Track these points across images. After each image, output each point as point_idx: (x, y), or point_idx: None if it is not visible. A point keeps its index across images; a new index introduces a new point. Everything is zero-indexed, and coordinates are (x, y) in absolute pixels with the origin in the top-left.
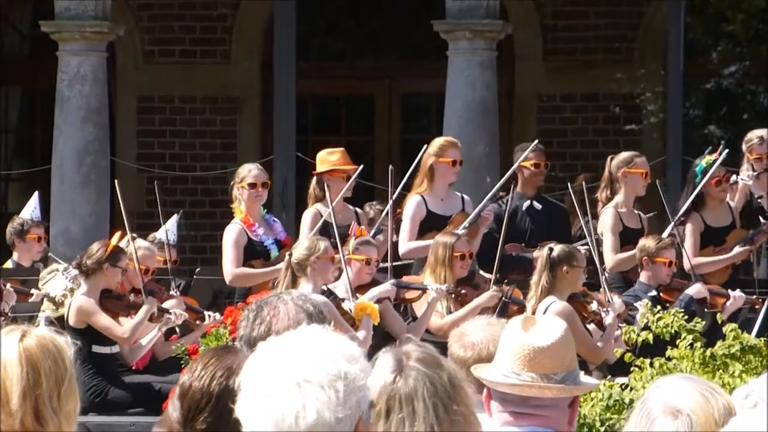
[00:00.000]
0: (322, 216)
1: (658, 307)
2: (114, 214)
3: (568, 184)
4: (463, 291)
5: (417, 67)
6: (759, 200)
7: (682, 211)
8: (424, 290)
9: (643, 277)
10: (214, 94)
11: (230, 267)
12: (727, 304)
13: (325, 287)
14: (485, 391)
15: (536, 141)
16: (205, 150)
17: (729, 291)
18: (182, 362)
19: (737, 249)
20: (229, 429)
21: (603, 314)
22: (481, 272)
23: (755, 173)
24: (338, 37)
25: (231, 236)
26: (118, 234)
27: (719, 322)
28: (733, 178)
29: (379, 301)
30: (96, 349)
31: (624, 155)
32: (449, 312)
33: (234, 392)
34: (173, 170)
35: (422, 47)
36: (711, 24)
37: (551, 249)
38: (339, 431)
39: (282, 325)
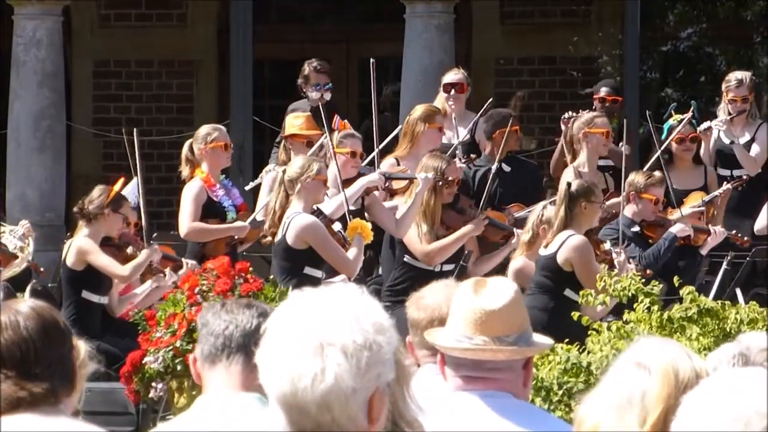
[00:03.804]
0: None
1: (615, 271)
2: (70, 178)
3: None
4: (450, 178)
5: (376, 30)
6: (731, 144)
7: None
8: (411, 180)
9: (628, 211)
10: (170, 58)
11: (187, 221)
12: (708, 239)
13: (315, 207)
14: (439, 356)
15: (490, 100)
16: (161, 114)
17: (710, 227)
18: (140, 328)
19: (686, 210)
20: None
21: (614, 255)
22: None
23: (728, 117)
24: (297, 0)
25: (191, 192)
26: (121, 180)
27: (676, 285)
28: (706, 124)
29: (367, 192)
30: (86, 295)
31: (585, 116)
32: (436, 238)
33: None
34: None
35: (382, 10)
36: None
37: (569, 183)
38: (353, 401)
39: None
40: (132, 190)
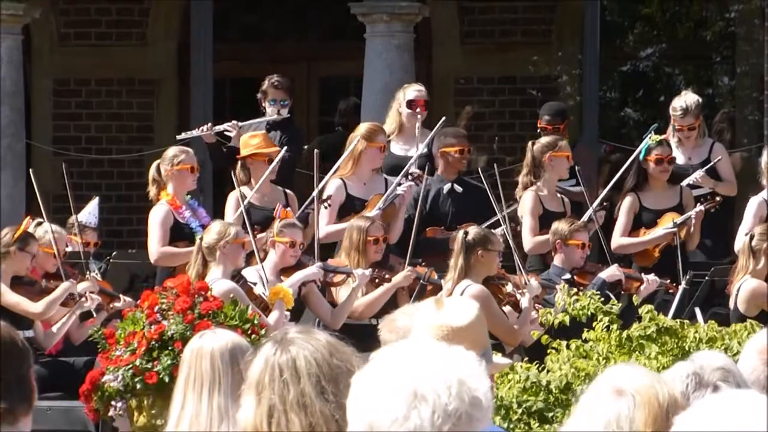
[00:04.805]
0: (245, 198)
1: (574, 290)
2: (30, 197)
3: (478, 169)
4: (386, 276)
5: (336, 48)
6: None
7: (602, 195)
8: (349, 274)
9: (557, 260)
10: (130, 77)
11: (156, 246)
12: (641, 288)
13: (239, 274)
14: None
15: (443, 118)
16: (121, 133)
17: (643, 275)
18: (99, 347)
19: (659, 231)
20: None
21: (518, 296)
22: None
23: (702, 172)
24: (258, 17)
25: (158, 216)
26: (27, 219)
27: (635, 303)
28: (687, 181)
29: (304, 284)
30: None
31: (547, 139)
32: (364, 293)
33: None
34: (89, 153)
35: (342, 29)
36: (627, 6)
37: (466, 232)
38: None
39: None
40: (92, 210)
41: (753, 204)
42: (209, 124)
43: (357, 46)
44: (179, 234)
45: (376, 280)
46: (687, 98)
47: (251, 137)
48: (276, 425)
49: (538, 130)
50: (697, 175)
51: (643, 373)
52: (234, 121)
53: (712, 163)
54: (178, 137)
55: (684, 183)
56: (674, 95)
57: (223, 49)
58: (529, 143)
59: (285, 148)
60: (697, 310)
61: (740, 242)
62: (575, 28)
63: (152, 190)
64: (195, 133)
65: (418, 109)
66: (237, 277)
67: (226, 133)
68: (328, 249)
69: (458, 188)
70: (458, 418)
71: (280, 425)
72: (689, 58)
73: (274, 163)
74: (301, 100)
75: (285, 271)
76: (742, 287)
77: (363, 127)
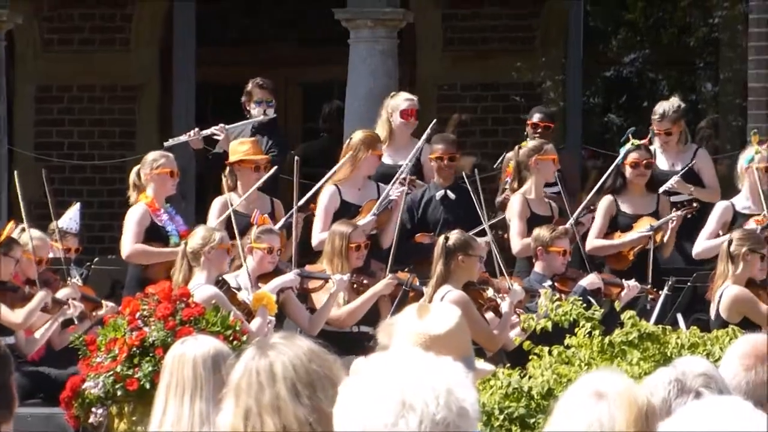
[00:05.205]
0: (232, 205)
1: (557, 295)
2: (11, 203)
3: (463, 174)
4: (364, 281)
5: (320, 53)
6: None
7: (585, 202)
8: (326, 280)
9: (538, 267)
10: (113, 83)
11: (129, 243)
12: (622, 294)
13: (220, 278)
14: None
15: (434, 121)
16: (103, 139)
17: (624, 281)
18: (80, 353)
19: (634, 234)
20: None
21: (499, 300)
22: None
23: (677, 178)
24: (242, 22)
25: (135, 215)
26: (11, 224)
27: (617, 309)
28: (664, 187)
29: (282, 290)
30: None
31: (533, 144)
32: (346, 302)
33: None
34: (71, 159)
35: (327, 34)
36: (611, 12)
37: (447, 237)
38: None
39: None
40: (74, 216)
41: (718, 208)
42: (196, 129)
43: (341, 51)
44: (155, 235)
45: (355, 286)
46: (666, 103)
47: (240, 143)
48: (251, 427)
49: (527, 132)
50: (673, 180)
51: (620, 377)
52: (221, 124)
53: (687, 167)
54: (165, 144)
55: (661, 189)
56: (657, 101)
57: (206, 54)
58: (516, 148)
59: (275, 168)
60: (679, 316)
61: (700, 246)
62: (558, 33)
63: (132, 195)
64: (182, 138)
65: (411, 119)
66: (220, 282)
67: (214, 137)
68: (310, 257)
69: (452, 195)
70: (446, 427)
71: (254, 427)
72: (673, 63)
73: (266, 177)
74: (284, 105)
75: (263, 277)
76: (725, 294)
77: (362, 135)
